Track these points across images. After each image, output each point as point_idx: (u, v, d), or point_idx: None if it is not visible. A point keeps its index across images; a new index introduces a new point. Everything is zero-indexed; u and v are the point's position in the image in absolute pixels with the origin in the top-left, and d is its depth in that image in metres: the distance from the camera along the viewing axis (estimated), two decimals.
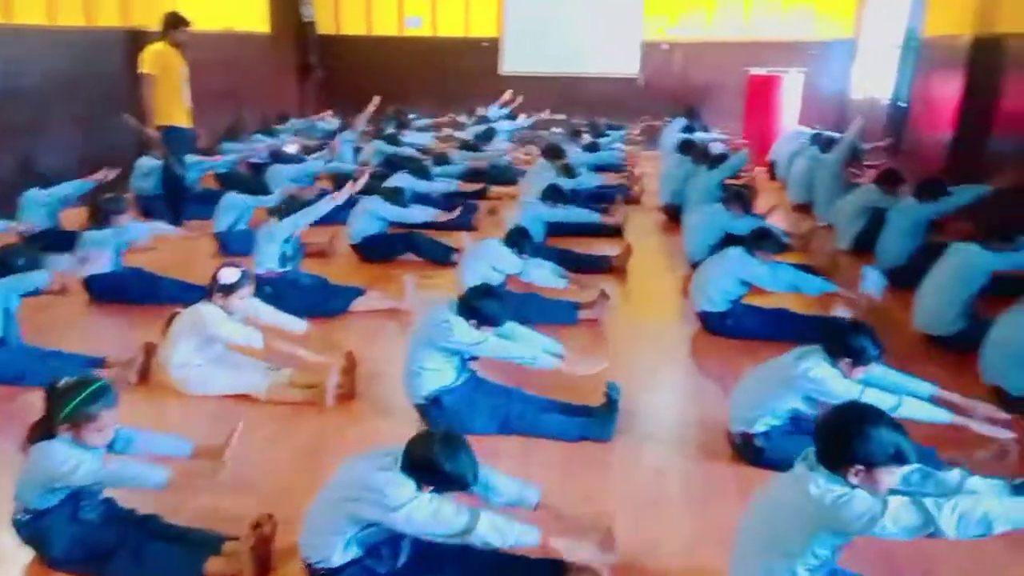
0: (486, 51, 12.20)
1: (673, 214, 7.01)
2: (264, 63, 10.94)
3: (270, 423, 3.37)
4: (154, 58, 6.30)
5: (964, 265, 4.13)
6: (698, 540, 2.59)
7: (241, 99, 10.02)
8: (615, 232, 6.42)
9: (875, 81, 10.10)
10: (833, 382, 2.80)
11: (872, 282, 4.54)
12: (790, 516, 2.03)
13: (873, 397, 2.76)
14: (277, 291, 4.58)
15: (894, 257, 5.23)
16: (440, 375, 3.26)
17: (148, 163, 7.11)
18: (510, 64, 12.17)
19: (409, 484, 2.13)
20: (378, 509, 2.11)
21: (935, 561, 2.53)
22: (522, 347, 3.32)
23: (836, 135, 8.28)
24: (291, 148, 8.96)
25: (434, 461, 2.14)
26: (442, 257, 5.69)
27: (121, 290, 4.86)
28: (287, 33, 11.65)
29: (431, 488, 2.15)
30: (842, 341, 2.80)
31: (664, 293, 5.20)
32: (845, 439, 1.95)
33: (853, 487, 1.95)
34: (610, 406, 3.26)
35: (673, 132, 10.12)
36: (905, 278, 4.78)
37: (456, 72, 12.19)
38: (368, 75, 12.34)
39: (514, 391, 3.45)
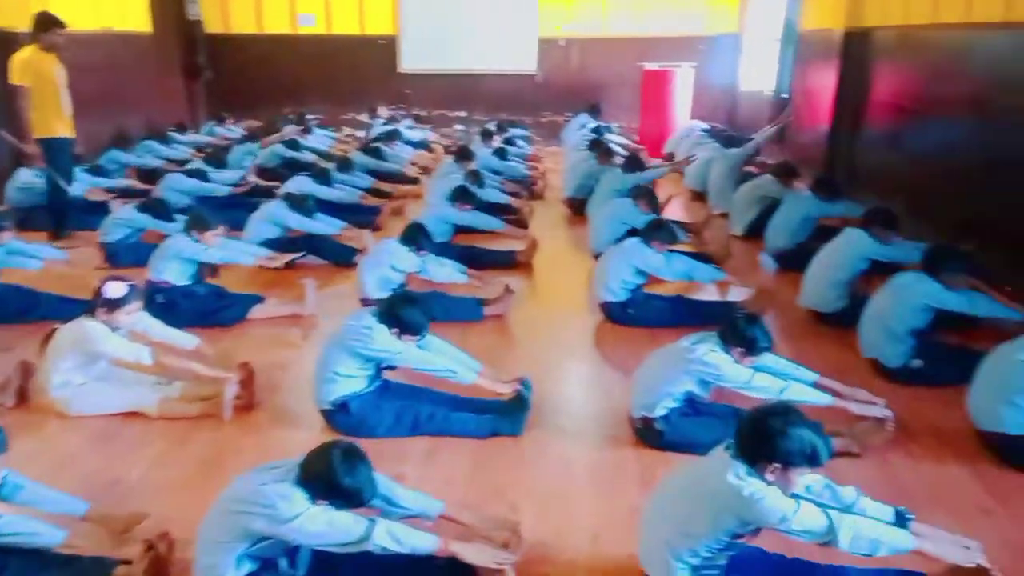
0: (383, 49, 12.04)
1: (578, 207, 7.12)
2: (147, 65, 10.41)
3: (161, 440, 3.22)
4: (24, 66, 5.85)
5: (847, 249, 4.37)
6: (603, 526, 2.64)
7: (123, 104, 9.51)
8: (520, 225, 6.48)
9: (760, 74, 10.56)
10: (726, 367, 2.91)
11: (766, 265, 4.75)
12: (703, 499, 2.11)
13: (763, 382, 2.90)
14: (170, 301, 4.41)
15: (783, 242, 5.48)
16: (353, 382, 3.20)
17: (25, 175, 6.65)
18: (408, 62, 12.07)
19: (301, 496, 2.08)
20: (269, 522, 2.06)
21: None
22: (443, 359, 3.29)
23: (735, 133, 8.67)
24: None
25: (331, 475, 2.09)
26: (344, 259, 5.58)
27: None
28: (171, 33, 11.14)
29: (326, 502, 2.10)
30: (736, 330, 2.92)
31: (570, 286, 5.27)
32: (768, 437, 2.04)
33: (768, 483, 2.05)
34: (520, 401, 3.28)
35: (575, 128, 10.33)
36: (793, 261, 5.09)
37: (353, 71, 12.00)
38: (260, 75, 12.00)
39: (422, 391, 3.42)
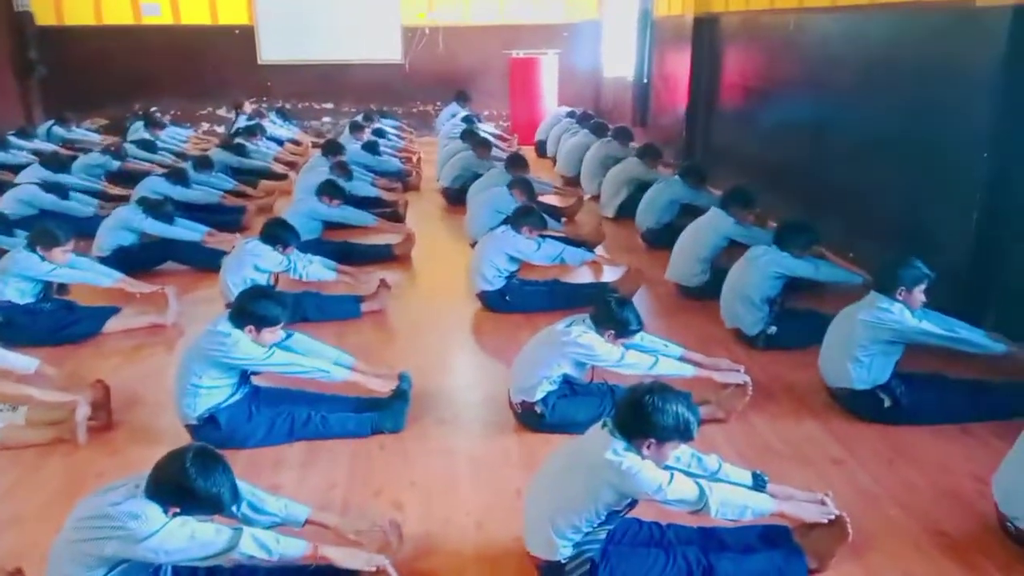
0: (240, 40, 11.49)
1: (454, 197, 7.10)
2: None
3: (11, 470, 2.96)
4: None
5: (709, 228, 4.59)
6: (488, 512, 2.66)
7: None
8: (396, 219, 6.40)
9: (621, 60, 10.89)
10: (598, 347, 2.99)
11: None
12: (583, 475, 2.16)
13: (633, 359, 3.01)
14: (9, 320, 4.04)
15: (652, 222, 5.69)
16: (217, 392, 3.03)
17: None
18: (268, 53, 11.58)
19: (155, 509, 1.96)
20: (123, 543, 1.92)
21: None
22: (313, 360, 3.17)
23: (602, 120, 8.90)
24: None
25: (184, 480, 1.97)
26: (209, 263, 5.30)
27: None
28: None
29: (178, 511, 1.98)
30: (608, 313, 3.00)
31: (448, 277, 5.25)
32: (645, 415, 2.12)
33: (644, 457, 2.13)
34: (400, 396, 3.23)
35: (446, 117, 10.29)
36: (661, 239, 5.32)
37: (209, 64, 11.38)
38: (103, 71, 11.16)
39: (296, 394, 3.31)
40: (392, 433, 3.17)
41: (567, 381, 3.13)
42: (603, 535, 2.24)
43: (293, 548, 2.09)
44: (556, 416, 3.09)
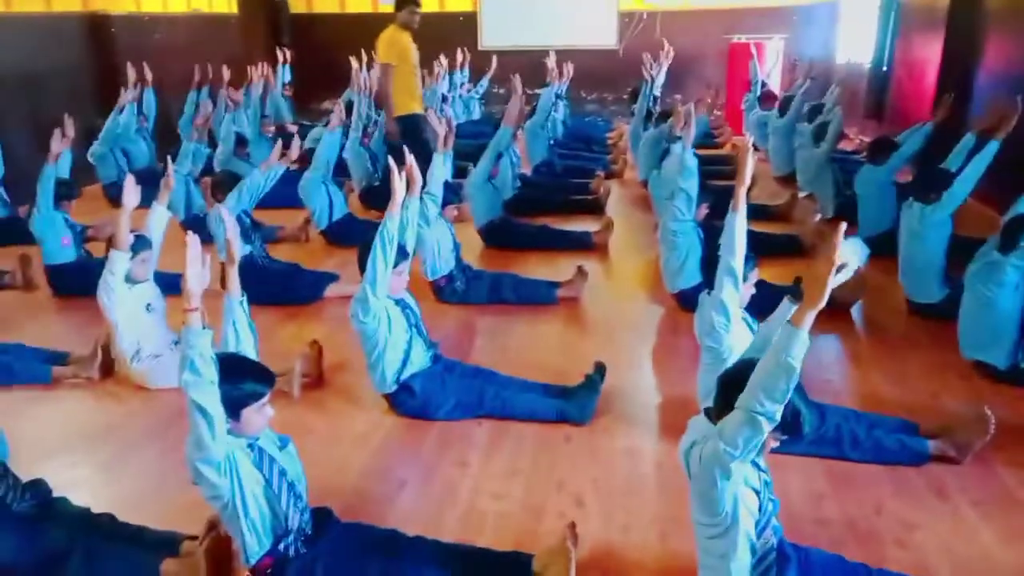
0: (463, 25, 11.96)
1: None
2: (235, 47, 10.64)
3: None
4: (388, 45, 6.10)
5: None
6: (672, 523, 2.51)
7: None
8: (597, 208, 6.35)
9: (858, 46, 9.95)
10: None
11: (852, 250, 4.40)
12: (708, 477, 1.91)
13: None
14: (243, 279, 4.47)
15: (874, 224, 5.13)
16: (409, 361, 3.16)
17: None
18: (490, 39, 11.94)
19: None
20: None
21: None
22: None
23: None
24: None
25: None
26: None
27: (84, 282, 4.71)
28: (256, 13, 11.36)
29: None
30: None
31: (643, 270, 5.09)
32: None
33: None
34: (591, 387, 3.17)
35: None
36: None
37: (435, 48, 11.92)
38: (343, 55, 12.09)
39: (487, 372, 3.36)
40: (578, 424, 3.11)
41: None
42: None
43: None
44: None
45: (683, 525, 2.48)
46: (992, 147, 3.87)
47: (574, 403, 3.15)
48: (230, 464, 2.04)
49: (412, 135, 6.09)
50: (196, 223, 5.70)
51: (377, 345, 3.12)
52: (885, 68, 8.98)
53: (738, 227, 2.65)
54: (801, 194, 6.54)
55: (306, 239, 5.78)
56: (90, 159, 6.93)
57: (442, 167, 4.33)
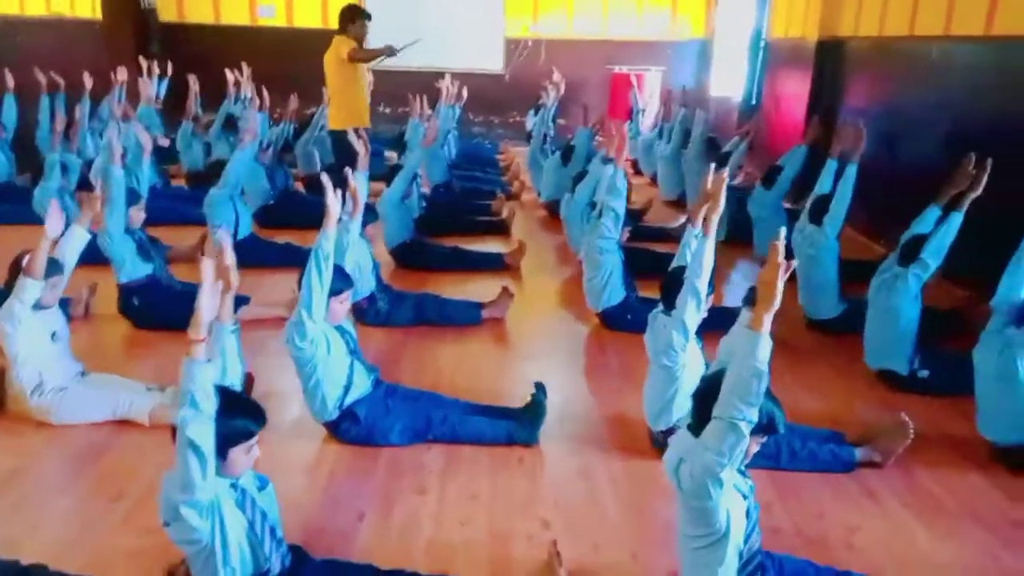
0: None
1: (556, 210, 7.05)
2: (99, 54, 9.90)
3: (158, 451, 3.00)
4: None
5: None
6: (640, 542, 2.56)
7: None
8: (503, 229, 6.41)
9: (728, 81, 10.67)
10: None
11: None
12: (702, 490, 1.95)
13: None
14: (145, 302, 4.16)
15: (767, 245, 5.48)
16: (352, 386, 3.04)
17: None
18: None
19: None
20: None
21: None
22: None
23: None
24: None
25: None
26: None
27: None
28: (124, 21, 10.65)
29: None
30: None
31: (556, 289, 5.18)
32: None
33: None
34: (536, 408, 3.16)
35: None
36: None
37: (318, 65, 11.63)
38: (217, 66, 11.56)
39: (428, 394, 3.30)
40: (527, 445, 3.10)
41: None
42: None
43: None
44: None
45: (650, 540, 2.55)
46: (852, 170, 4.21)
47: (522, 425, 3.13)
48: (214, 506, 1.87)
49: (345, 150, 5.92)
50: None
51: (316, 371, 2.98)
52: (754, 102, 9.70)
53: (707, 251, 2.75)
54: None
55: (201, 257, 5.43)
56: None
57: (364, 186, 4.23)
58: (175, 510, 1.85)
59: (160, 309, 4.16)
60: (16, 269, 3.08)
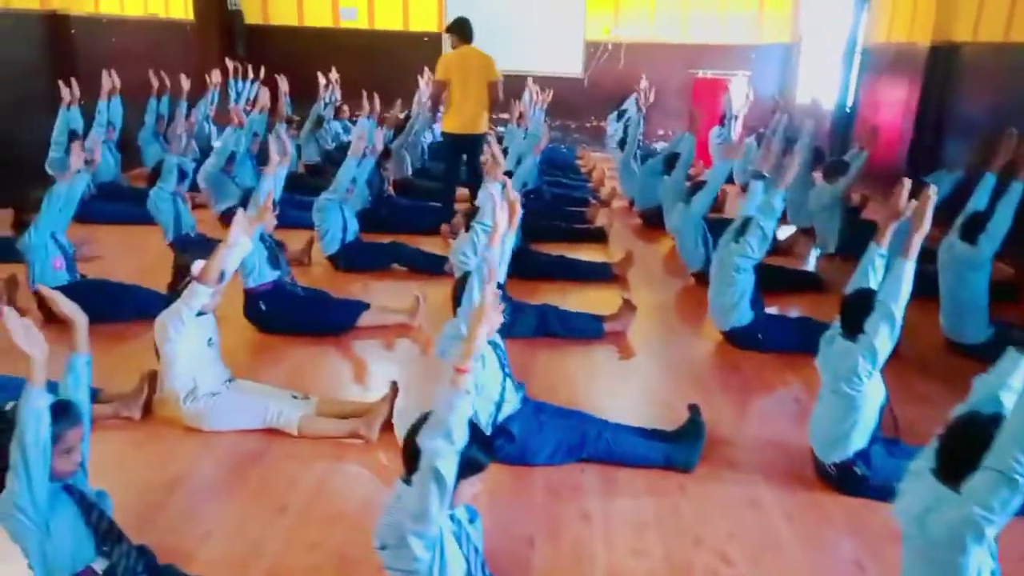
0: (428, 46, 11.76)
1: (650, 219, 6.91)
2: (189, 54, 10.08)
3: (316, 462, 2.95)
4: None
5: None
6: None
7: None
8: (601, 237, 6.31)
9: (819, 86, 10.35)
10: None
11: None
12: (957, 544, 1.78)
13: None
14: (272, 307, 4.15)
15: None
16: (504, 402, 2.95)
17: None
18: None
19: None
20: None
21: None
22: None
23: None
24: None
25: None
26: (431, 266, 5.34)
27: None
28: (212, 22, 10.84)
29: None
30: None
31: (670, 303, 5.03)
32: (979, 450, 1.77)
33: None
34: (695, 430, 3.03)
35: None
36: None
37: (398, 67, 11.70)
38: (300, 68, 11.69)
39: (578, 412, 3.19)
40: (684, 471, 2.97)
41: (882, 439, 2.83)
42: None
43: None
44: (881, 477, 2.79)
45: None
46: (1018, 188, 4.00)
47: (680, 448, 3.01)
48: (439, 539, 1.80)
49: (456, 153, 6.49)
50: (187, 243, 5.30)
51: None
52: (848, 109, 9.38)
53: (906, 274, 2.59)
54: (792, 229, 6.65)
55: (308, 262, 5.46)
56: (48, 170, 6.34)
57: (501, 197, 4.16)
58: (401, 537, 1.77)
59: (285, 315, 4.16)
60: (182, 274, 3.07)
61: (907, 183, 2.80)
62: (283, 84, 7.55)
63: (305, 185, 7.06)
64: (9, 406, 1.96)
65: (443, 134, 6.65)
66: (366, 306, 4.34)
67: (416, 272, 5.34)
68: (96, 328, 4.12)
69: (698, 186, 5.28)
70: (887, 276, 2.69)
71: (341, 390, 3.63)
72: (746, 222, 4.04)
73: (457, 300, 3.00)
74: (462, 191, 6.71)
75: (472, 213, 4.19)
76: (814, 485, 2.91)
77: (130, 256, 5.52)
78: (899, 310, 2.60)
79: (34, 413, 1.85)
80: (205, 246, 5.32)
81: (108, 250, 5.58)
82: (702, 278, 5.23)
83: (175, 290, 3.10)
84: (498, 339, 3.12)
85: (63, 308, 2.14)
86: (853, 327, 2.74)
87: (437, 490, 1.73)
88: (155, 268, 5.18)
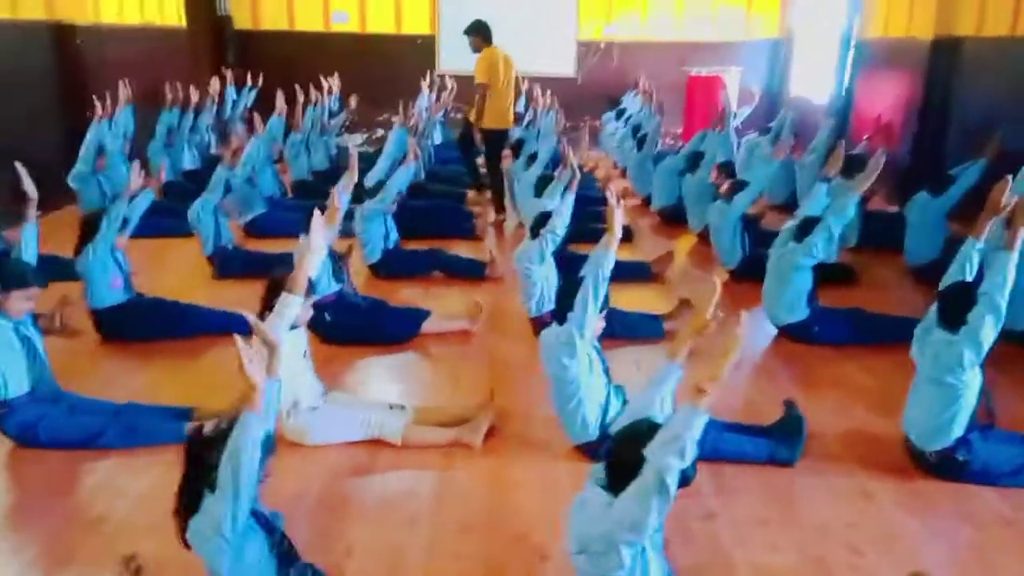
0: (421, 49, 11.74)
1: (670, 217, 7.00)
2: (182, 61, 9.92)
3: (425, 480, 2.94)
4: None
5: None
6: (962, 568, 2.49)
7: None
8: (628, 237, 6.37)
9: (810, 81, 10.56)
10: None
11: None
12: None
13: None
14: (336, 318, 4.13)
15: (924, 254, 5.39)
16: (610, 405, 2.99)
17: None
18: (447, 63, 11.77)
19: None
20: None
21: None
22: None
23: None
24: None
25: None
26: (472, 271, 5.36)
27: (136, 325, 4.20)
28: (202, 29, 10.68)
29: None
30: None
31: None
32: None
33: None
34: (795, 424, 3.10)
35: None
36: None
37: (390, 71, 11.64)
38: (291, 72, 11.56)
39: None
40: (786, 465, 3.03)
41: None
42: None
43: None
44: (980, 462, 2.89)
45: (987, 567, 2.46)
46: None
47: (781, 443, 3.07)
48: (644, 551, 1.84)
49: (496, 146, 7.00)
50: (224, 255, 5.25)
51: (578, 391, 2.94)
52: (843, 104, 9.57)
53: (1011, 266, 2.68)
54: None
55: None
56: (71, 183, 6.22)
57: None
58: (610, 545, 1.80)
59: (350, 325, 4.14)
60: (276, 288, 3.04)
61: (1008, 180, 2.90)
62: (300, 96, 7.61)
63: (313, 191, 7.12)
64: (207, 428, 1.96)
65: (483, 131, 6.92)
66: (427, 313, 4.34)
67: (455, 277, 5.35)
68: (158, 346, 4.14)
69: (738, 185, 5.36)
70: (989, 269, 2.79)
71: (421, 397, 3.62)
72: (807, 222, 4.13)
73: (562, 307, 3.01)
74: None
75: (542, 220, 4.21)
76: (913, 473, 3.00)
77: (164, 270, 5.43)
78: (1003, 301, 2.70)
79: (253, 440, 1.85)
80: (245, 259, 5.31)
81: (137, 264, 5.48)
82: (739, 274, 5.35)
83: (269, 305, 3.07)
84: (597, 343, 3.16)
85: (265, 336, 2.15)
86: (954, 319, 2.83)
87: (661, 504, 1.76)
88: (194, 281, 5.16)
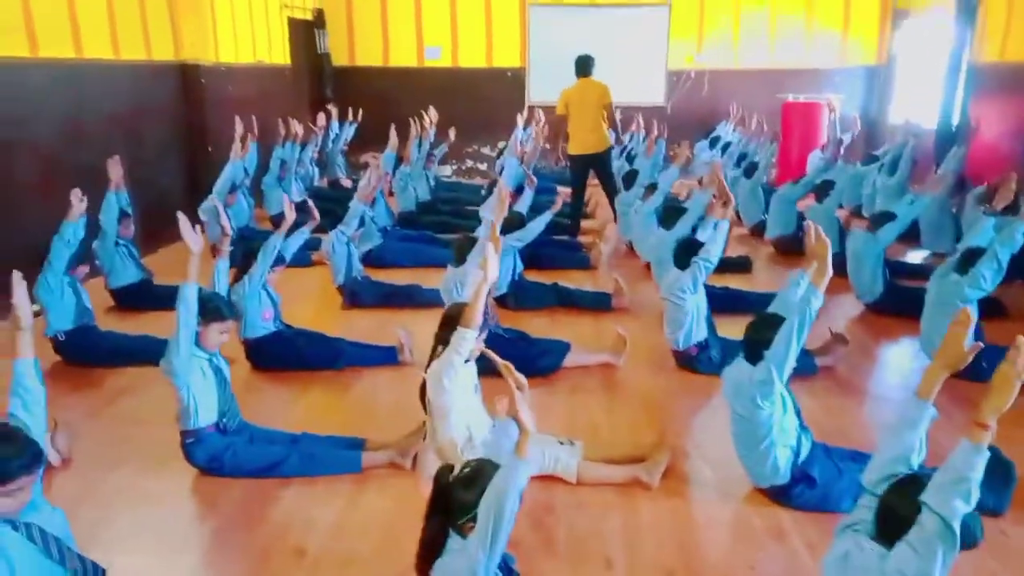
0: (511, 81, 11.89)
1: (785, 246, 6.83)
2: (287, 97, 10.26)
3: (613, 514, 2.87)
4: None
5: None
6: None
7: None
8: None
9: (914, 107, 10.25)
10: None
11: None
12: None
13: None
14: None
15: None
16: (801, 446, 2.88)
17: None
18: (537, 94, 11.88)
19: None
20: None
21: None
22: None
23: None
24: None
25: None
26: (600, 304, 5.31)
27: (284, 355, 4.27)
28: (304, 65, 11.06)
29: None
30: None
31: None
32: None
33: None
34: (1003, 469, 2.92)
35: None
36: None
37: (482, 103, 11.79)
38: (384, 106, 11.84)
39: (865, 455, 3.09)
40: (994, 514, 2.85)
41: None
42: None
43: None
44: None
45: None
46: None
47: (990, 490, 2.86)
48: None
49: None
50: (354, 286, 5.33)
51: (771, 432, 2.83)
52: (954, 129, 9.23)
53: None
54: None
55: None
56: (201, 216, 6.44)
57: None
58: None
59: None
60: (451, 322, 3.05)
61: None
62: (413, 128, 7.90)
63: (415, 222, 7.45)
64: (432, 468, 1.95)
65: (569, 156, 7.64)
66: (569, 346, 4.29)
67: (583, 309, 5.30)
68: (307, 375, 4.19)
69: (883, 217, 5.18)
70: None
71: (578, 433, 3.55)
72: (971, 253, 3.95)
73: (757, 345, 2.90)
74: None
75: (688, 249, 4.14)
76: None
77: (294, 300, 5.53)
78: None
79: (519, 489, 1.82)
80: (374, 290, 5.38)
81: None
82: (878, 307, 5.16)
83: (444, 340, 3.07)
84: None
85: (517, 377, 2.18)
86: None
87: (947, 552, 1.67)
88: (326, 312, 5.25)
